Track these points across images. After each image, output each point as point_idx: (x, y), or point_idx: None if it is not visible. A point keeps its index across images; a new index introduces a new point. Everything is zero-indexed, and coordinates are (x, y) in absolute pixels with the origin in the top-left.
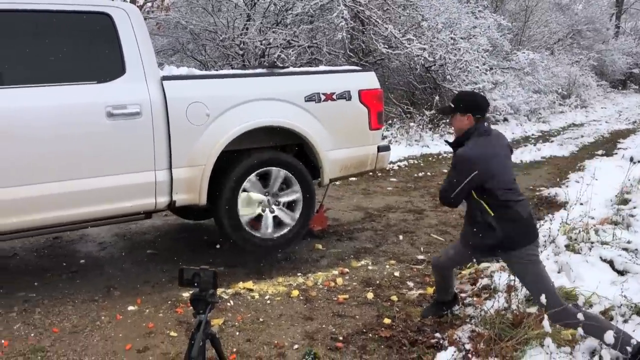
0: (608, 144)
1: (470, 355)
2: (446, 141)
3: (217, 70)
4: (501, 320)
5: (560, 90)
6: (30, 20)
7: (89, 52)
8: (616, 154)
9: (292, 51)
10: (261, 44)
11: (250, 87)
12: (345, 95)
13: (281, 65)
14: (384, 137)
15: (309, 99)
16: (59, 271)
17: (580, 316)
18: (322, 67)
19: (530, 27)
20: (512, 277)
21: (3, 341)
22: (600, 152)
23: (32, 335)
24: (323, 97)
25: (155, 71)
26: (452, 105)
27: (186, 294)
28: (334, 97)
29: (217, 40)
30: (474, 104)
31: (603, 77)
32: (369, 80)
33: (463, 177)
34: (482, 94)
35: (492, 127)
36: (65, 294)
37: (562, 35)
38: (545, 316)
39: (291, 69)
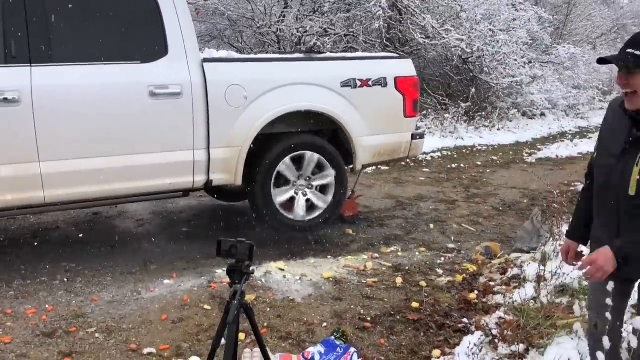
0: None
1: (496, 341)
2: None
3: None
4: (529, 309)
5: (601, 86)
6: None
7: (133, 32)
8: None
9: (329, 39)
10: (298, 32)
11: (287, 71)
12: (381, 82)
13: (318, 50)
14: (417, 128)
15: (345, 84)
16: (99, 244)
17: None
18: (358, 53)
19: (573, 21)
20: (541, 267)
21: (48, 306)
22: None
23: (74, 302)
24: (359, 83)
25: (197, 53)
26: (639, 52)
27: (220, 271)
28: (370, 83)
29: (254, 27)
30: None
31: None
32: (406, 67)
33: None
34: None
35: (530, 121)
36: (104, 266)
37: (606, 30)
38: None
39: (328, 54)
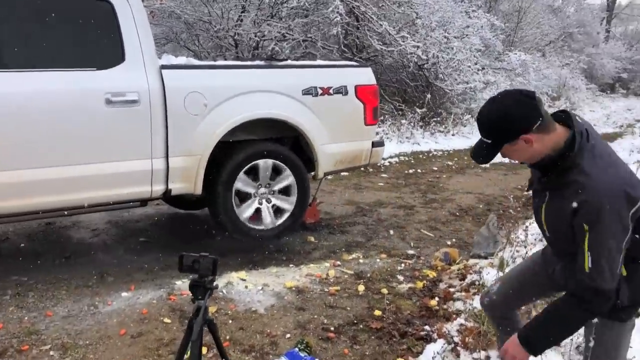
0: None
1: (458, 348)
2: (533, 185)
3: (211, 60)
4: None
5: (550, 92)
6: (32, 4)
7: (89, 38)
8: None
9: (287, 44)
10: (255, 36)
11: (248, 78)
12: (342, 90)
13: (279, 57)
14: (376, 134)
15: (306, 92)
16: (52, 256)
17: None
18: (320, 61)
19: (523, 28)
20: (500, 273)
21: None
22: None
23: (26, 318)
24: (320, 91)
25: (154, 59)
26: (489, 140)
27: (179, 282)
28: (331, 91)
29: (211, 30)
30: (513, 120)
31: (592, 80)
32: (366, 75)
33: (618, 232)
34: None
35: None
36: (58, 279)
37: (554, 38)
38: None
39: (289, 61)
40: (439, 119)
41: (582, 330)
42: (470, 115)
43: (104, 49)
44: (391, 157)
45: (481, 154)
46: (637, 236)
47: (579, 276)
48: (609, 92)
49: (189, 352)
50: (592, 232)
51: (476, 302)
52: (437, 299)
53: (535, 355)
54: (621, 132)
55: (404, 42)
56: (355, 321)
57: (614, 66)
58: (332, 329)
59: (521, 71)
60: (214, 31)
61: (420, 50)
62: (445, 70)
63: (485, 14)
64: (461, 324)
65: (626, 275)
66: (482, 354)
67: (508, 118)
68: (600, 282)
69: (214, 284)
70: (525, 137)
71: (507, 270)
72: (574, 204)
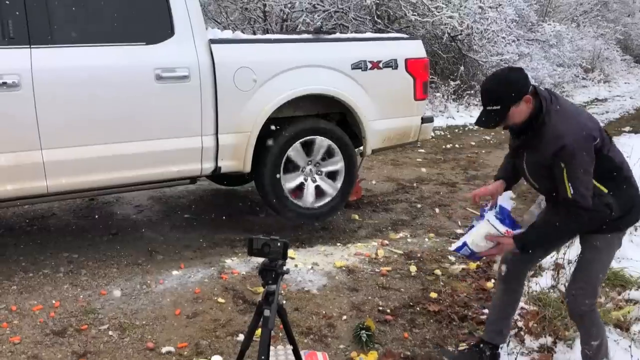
0: (634, 121)
1: (522, 333)
2: (514, 135)
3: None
4: (550, 298)
5: (584, 64)
6: None
7: (138, 12)
8: None
9: (317, 16)
10: (285, 7)
11: (297, 53)
12: (392, 64)
13: (327, 30)
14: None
15: (356, 66)
16: (100, 232)
17: (599, 319)
18: (369, 34)
19: None
20: (560, 255)
21: (54, 302)
22: (627, 128)
23: (82, 297)
24: (370, 65)
25: (204, 34)
26: (498, 106)
27: (229, 260)
28: (381, 65)
29: (239, 2)
30: (516, 85)
31: (627, 51)
32: (416, 48)
33: (590, 161)
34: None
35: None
36: (108, 256)
37: (588, 7)
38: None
39: (338, 35)
40: (472, 91)
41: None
42: None
43: (153, 23)
44: None
45: (492, 120)
46: (603, 155)
47: (564, 202)
48: None
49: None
50: (568, 168)
51: (534, 285)
52: (492, 280)
53: (523, 250)
54: None
55: (439, 12)
56: (411, 303)
57: None
58: (388, 311)
59: (555, 42)
60: (242, 3)
61: (456, 20)
62: (479, 41)
63: None
64: (522, 308)
65: (608, 191)
66: (549, 339)
67: (513, 83)
68: (582, 201)
69: (285, 268)
70: (526, 97)
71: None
72: (552, 151)
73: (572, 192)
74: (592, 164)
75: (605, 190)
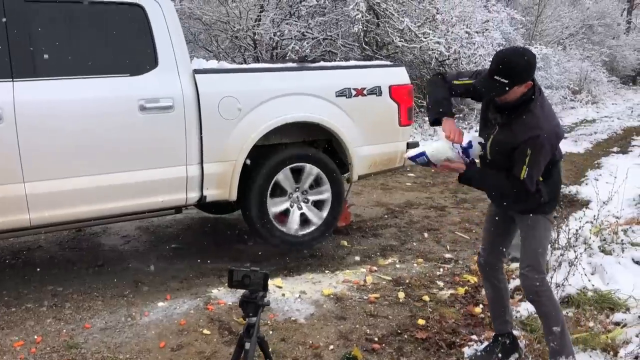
0: (622, 141)
1: None
2: (497, 106)
3: (230, 62)
4: (537, 323)
5: (571, 85)
6: (64, 10)
7: (121, 44)
8: (631, 151)
9: (306, 43)
10: (275, 36)
11: (282, 81)
12: (376, 91)
13: (311, 59)
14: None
15: (340, 94)
16: (85, 264)
17: (555, 299)
18: (352, 62)
19: (543, 22)
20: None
21: (36, 337)
22: (615, 149)
23: (65, 331)
24: (354, 93)
25: (188, 64)
26: (506, 80)
27: (215, 291)
28: (365, 92)
29: (229, 31)
30: (532, 69)
31: (613, 72)
32: (400, 75)
33: (547, 157)
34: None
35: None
36: (93, 289)
37: (574, 30)
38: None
39: (322, 63)
40: (461, 115)
41: None
42: None
43: (137, 55)
44: None
45: (494, 90)
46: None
47: (513, 178)
48: (631, 84)
49: None
50: (532, 155)
51: (522, 310)
52: (481, 306)
53: (462, 177)
54: None
55: (426, 38)
56: (399, 331)
57: (635, 58)
58: (375, 339)
59: (542, 65)
60: (232, 31)
61: (443, 46)
62: (467, 65)
63: (505, 8)
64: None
65: (542, 179)
66: None
67: (531, 65)
68: (529, 184)
69: (265, 300)
70: (529, 82)
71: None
72: (525, 137)
73: (525, 174)
74: (547, 161)
75: (540, 178)
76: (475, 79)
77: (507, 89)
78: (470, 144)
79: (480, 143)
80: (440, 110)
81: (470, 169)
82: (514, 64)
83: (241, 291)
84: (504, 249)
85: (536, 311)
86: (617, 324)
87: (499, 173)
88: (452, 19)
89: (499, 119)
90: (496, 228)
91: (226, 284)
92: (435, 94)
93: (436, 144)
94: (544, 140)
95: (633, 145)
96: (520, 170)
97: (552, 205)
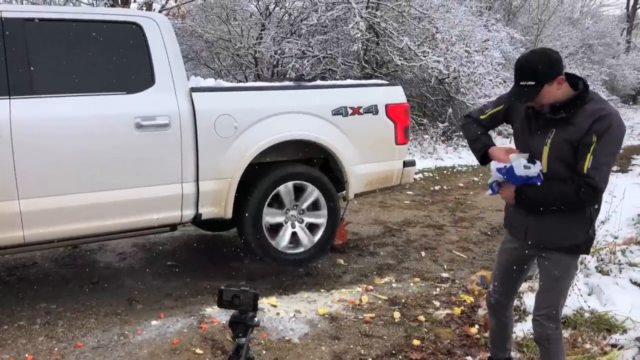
0: (622, 160)
1: None
2: (552, 114)
3: (232, 79)
4: (533, 344)
5: None
6: (61, 29)
7: (118, 62)
8: (631, 170)
9: (307, 61)
10: (275, 54)
11: (278, 100)
12: (372, 110)
13: (308, 77)
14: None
15: (337, 112)
16: (80, 282)
17: (562, 343)
18: (349, 81)
19: (543, 41)
20: None
21: (27, 355)
22: (614, 168)
23: (56, 349)
24: (350, 111)
25: (184, 82)
26: (533, 82)
27: (209, 309)
28: (361, 111)
29: (231, 49)
30: (557, 61)
31: (613, 91)
32: (396, 94)
33: (620, 147)
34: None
35: (504, 140)
36: (87, 306)
37: (574, 50)
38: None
39: (319, 82)
40: (460, 133)
41: None
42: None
43: (134, 73)
44: (415, 173)
45: (524, 95)
46: None
47: (577, 178)
48: (631, 103)
49: None
50: (598, 142)
51: (518, 330)
52: (477, 326)
53: (517, 201)
54: None
55: (425, 56)
56: (393, 351)
57: (635, 77)
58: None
59: None
60: (234, 49)
61: (442, 65)
62: (466, 84)
63: (505, 27)
64: None
65: (597, 207)
66: None
67: (552, 61)
68: (597, 180)
69: (255, 320)
70: (560, 77)
71: None
72: (590, 122)
73: (589, 165)
74: (618, 149)
75: (596, 204)
76: (500, 104)
77: (537, 90)
78: (511, 165)
79: (526, 159)
80: (481, 146)
81: (519, 188)
82: (534, 64)
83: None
84: (517, 289)
85: (540, 354)
86: (614, 345)
87: (557, 184)
88: (451, 37)
89: (552, 122)
90: (513, 266)
91: None
92: (469, 134)
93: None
94: (611, 122)
95: (633, 165)
96: (584, 165)
97: (592, 241)
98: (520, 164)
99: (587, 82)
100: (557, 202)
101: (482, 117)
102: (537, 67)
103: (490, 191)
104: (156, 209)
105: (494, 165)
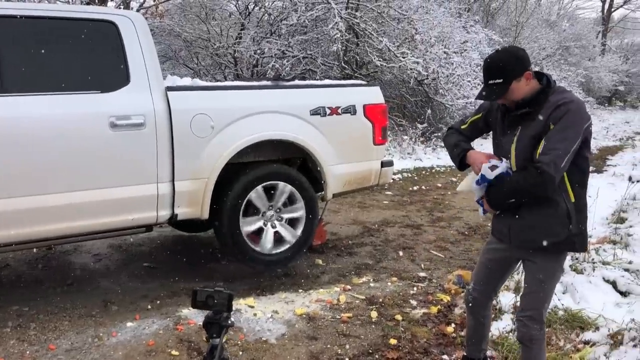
0: (597, 161)
1: None
2: (516, 110)
3: (211, 79)
4: (509, 342)
5: None
6: (35, 27)
7: (93, 60)
8: (606, 170)
9: (286, 61)
10: (255, 54)
11: (255, 99)
12: (351, 110)
13: (286, 77)
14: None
15: (315, 112)
16: (54, 284)
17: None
18: (327, 81)
19: (520, 43)
20: (517, 297)
21: None
22: (591, 168)
23: (28, 352)
24: (328, 111)
25: (160, 81)
26: (501, 79)
27: (185, 310)
28: (339, 111)
29: (210, 48)
30: (523, 58)
31: (589, 93)
32: (374, 94)
33: (578, 133)
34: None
35: (484, 141)
36: (61, 308)
37: (551, 52)
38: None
39: (297, 82)
40: (440, 134)
41: None
42: None
43: (108, 71)
44: (394, 173)
45: (494, 93)
46: (586, 155)
47: (529, 165)
48: (606, 105)
49: None
50: (554, 128)
51: (494, 329)
52: (453, 325)
53: (489, 204)
54: (622, 145)
55: (404, 58)
56: (370, 351)
57: (610, 79)
58: (346, 359)
59: None
60: (213, 49)
61: (421, 66)
62: (445, 85)
63: (483, 29)
64: None
65: (574, 201)
66: None
67: (518, 57)
68: (544, 163)
69: (229, 320)
70: (527, 73)
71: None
72: (550, 111)
73: (540, 151)
74: (575, 140)
75: (572, 198)
76: (480, 111)
77: (506, 87)
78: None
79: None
80: (460, 151)
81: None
82: (501, 62)
83: None
84: (497, 290)
85: (522, 354)
86: (586, 342)
87: (516, 173)
88: (430, 39)
89: (519, 118)
90: (496, 267)
91: None
92: (449, 142)
93: (465, 181)
94: (569, 107)
95: (608, 165)
96: (537, 151)
97: (583, 238)
98: (486, 167)
99: (552, 78)
100: (516, 193)
101: (463, 127)
102: (504, 64)
103: (481, 212)
104: (131, 209)
105: (473, 184)
